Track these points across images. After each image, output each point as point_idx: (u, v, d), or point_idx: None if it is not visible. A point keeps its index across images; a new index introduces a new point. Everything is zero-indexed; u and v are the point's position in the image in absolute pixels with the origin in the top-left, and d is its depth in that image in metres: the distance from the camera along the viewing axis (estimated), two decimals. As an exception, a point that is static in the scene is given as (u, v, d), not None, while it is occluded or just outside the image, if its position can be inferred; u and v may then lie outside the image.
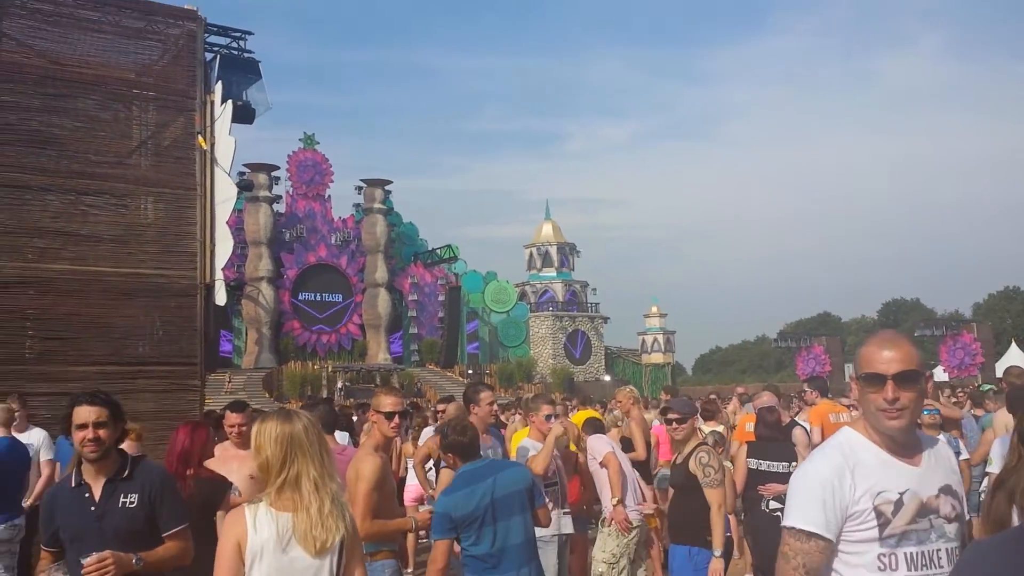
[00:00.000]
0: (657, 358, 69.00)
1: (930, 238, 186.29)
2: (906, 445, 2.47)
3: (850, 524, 2.39)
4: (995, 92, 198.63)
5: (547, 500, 5.37)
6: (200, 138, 7.99)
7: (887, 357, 2.41)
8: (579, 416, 8.81)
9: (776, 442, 6.82)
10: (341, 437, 8.26)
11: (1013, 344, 46.25)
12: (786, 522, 2.46)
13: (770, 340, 77.22)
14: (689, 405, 6.22)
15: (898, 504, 2.39)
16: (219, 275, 7.98)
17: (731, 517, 7.13)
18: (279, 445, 3.05)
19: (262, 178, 55.07)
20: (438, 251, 62.44)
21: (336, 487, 3.14)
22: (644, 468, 8.51)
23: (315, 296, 57.14)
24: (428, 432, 9.62)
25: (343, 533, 3.07)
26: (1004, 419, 7.69)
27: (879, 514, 2.38)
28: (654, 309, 70.98)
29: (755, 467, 6.72)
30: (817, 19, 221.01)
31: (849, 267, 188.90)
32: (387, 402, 4.86)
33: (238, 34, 43.76)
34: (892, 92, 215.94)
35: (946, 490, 2.46)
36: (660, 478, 8.82)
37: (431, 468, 8.98)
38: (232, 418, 6.01)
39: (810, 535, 2.37)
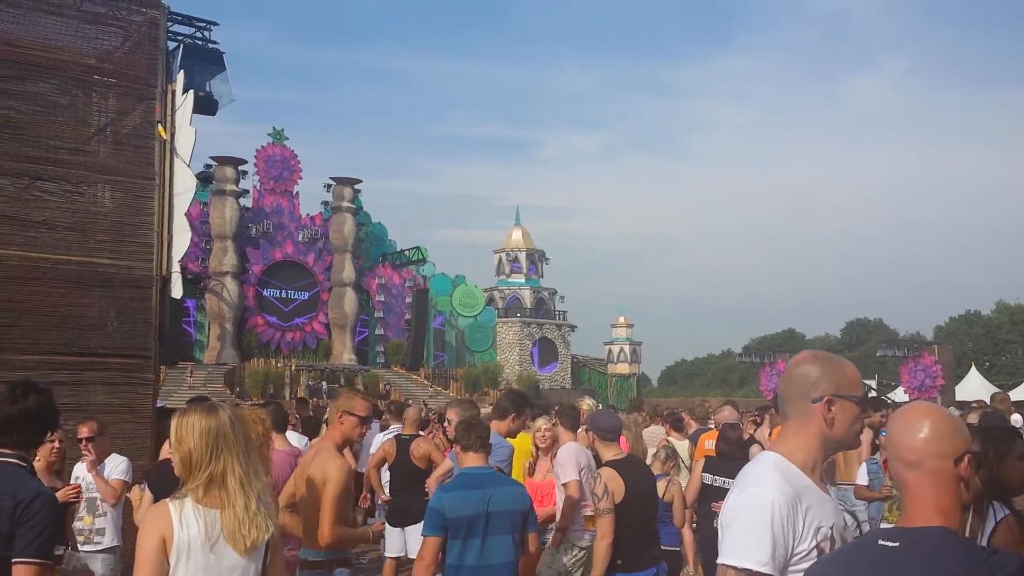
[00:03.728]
0: (623, 368, 69.27)
1: (894, 260, 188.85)
2: (820, 472, 2.33)
3: (793, 565, 2.16)
4: (961, 117, 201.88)
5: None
6: (160, 127, 7.83)
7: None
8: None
9: (735, 460, 6.76)
10: (298, 439, 8.11)
11: (973, 367, 46.90)
12: (732, 560, 2.17)
13: (735, 355, 77.76)
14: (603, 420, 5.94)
15: (832, 541, 2.23)
16: (176, 267, 7.82)
17: (685, 531, 7.07)
18: (204, 438, 2.91)
19: (229, 172, 54.44)
20: (407, 252, 62.16)
21: (261, 485, 3.02)
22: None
23: (280, 293, 56.64)
24: (380, 438, 9.49)
25: (271, 533, 2.96)
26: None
27: (820, 552, 2.18)
28: (621, 319, 71.29)
29: (710, 482, 6.68)
30: (784, 38, 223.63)
31: (814, 285, 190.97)
32: (361, 406, 4.80)
33: (203, 24, 43.35)
34: (857, 113, 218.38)
35: (843, 518, 2.37)
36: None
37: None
38: None
39: None
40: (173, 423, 3.00)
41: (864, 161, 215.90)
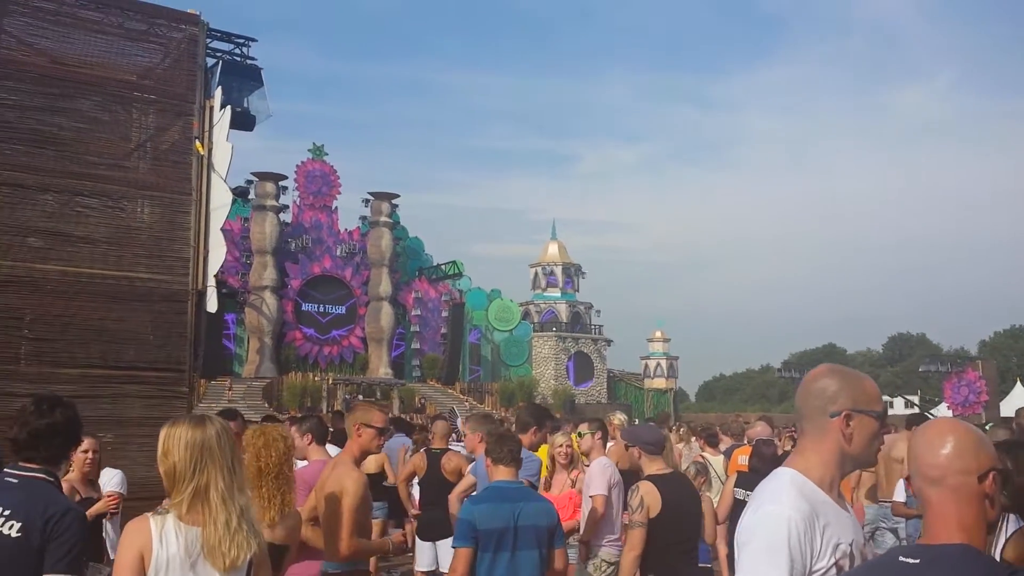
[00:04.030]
0: (660, 383, 68.82)
1: (938, 273, 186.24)
2: (835, 488, 2.27)
3: None
4: (1006, 128, 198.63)
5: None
6: (197, 143, 7.93)
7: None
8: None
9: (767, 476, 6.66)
10: (336, 452, 8.15)
11: (1018, 383, 45.97)
12: None
13: (774, 370, 76.98)
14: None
15: (851, 558, 2.17)
16: (211, 281, 7.90)
17: (720, 546, 6.99)
18: (189, 451, 2.84)
19: (269, 187, 55.19)
20: (443, 267, 62.42)
21: (246, 500, 2.93)
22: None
23: (318, 307, 57.11)
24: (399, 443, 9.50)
25: (254, 551, 2.87)
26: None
27: (839, 570, 2.13)
28: (658, 334, 70.85)
29: (741, 497, 6.59)
30: (829, 49, 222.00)
31: (856, 299, 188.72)
32: (379, 417, 4.86)
33: (241, 40, 43.76)
34: (903, 124, 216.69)
35: (863, 535, 2.35)
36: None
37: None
38: None
39: None
40: (161, 435, 2.95)
41: (908, 173, 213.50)
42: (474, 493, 4.97)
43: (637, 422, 26.92)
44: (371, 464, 9.48)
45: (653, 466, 5.44)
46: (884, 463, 7.99)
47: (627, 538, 5.22)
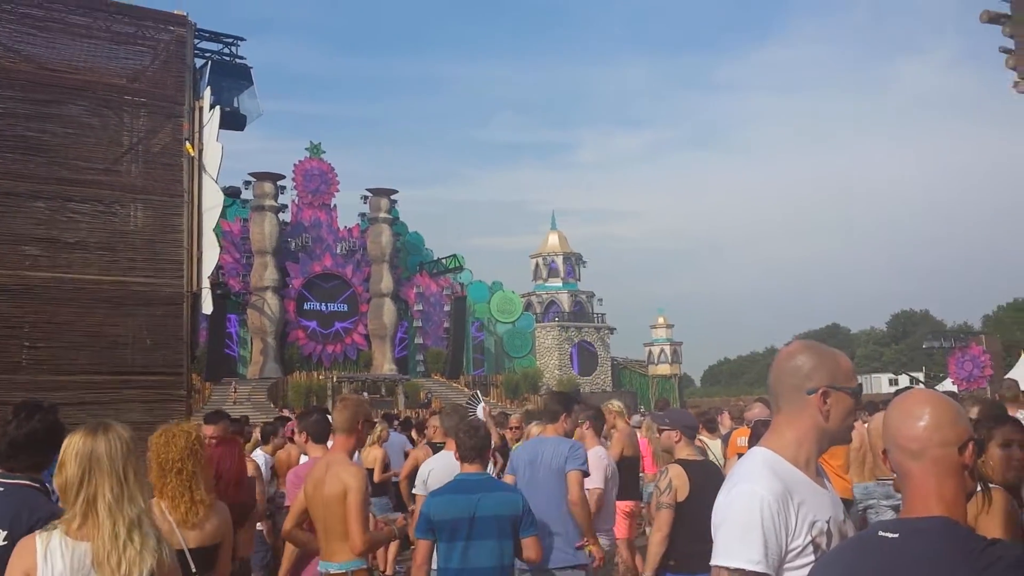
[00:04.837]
0: (664, 369, 68.83)
1: (940, 249, 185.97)
2: (816, 466, 2.26)
3: (789, 562, 2.09)
4: (1008, 102, 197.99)
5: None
6: (188, 144, 7.91)
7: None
8: None
9: None
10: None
11: (1022, 357, 45.90)
12: (723, 561, 2.10)
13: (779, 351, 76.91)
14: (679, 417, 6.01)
15: (828, 535, 2.15)
16: (206, 283, 7.89)
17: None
18: (78, 462, 2.72)
19: (268, 187, 55.14)
20: (444, 261, 62.40)
21: (138, 511, 2.76)
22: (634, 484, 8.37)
23: (320, 305, 57.14)
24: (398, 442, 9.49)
25: (150, 565, 2.70)
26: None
27: (816, 548, 2.11)
28: (661, 320, 70.85)
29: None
30: (831, 27, 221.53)
31: (858, 278, 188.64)
32: (370, 412, 4.97)
33: (230, 40, 43.60)
34: (905, 100, 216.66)
35: (844, 512, 2.29)
36: (649, 493, 8.68)
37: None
38: (206, 430, 5.89)
39: None
40: (63, 445, 2.84)
41: (910, 149, 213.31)
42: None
43: (643, 409, 26.90)
44: (369, 460, 9.49)
45: (686, 451, 5.45)
46: (877, 441, 7.94)
47: (655, 519, 5.22)
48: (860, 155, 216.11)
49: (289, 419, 11.02)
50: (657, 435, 5.70)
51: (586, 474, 5.66)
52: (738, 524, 2.10)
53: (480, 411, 8.87)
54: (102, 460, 2.73)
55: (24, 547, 2.71)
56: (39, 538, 2.70)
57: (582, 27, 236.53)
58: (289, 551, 5.45)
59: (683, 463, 5.31)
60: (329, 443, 7.21)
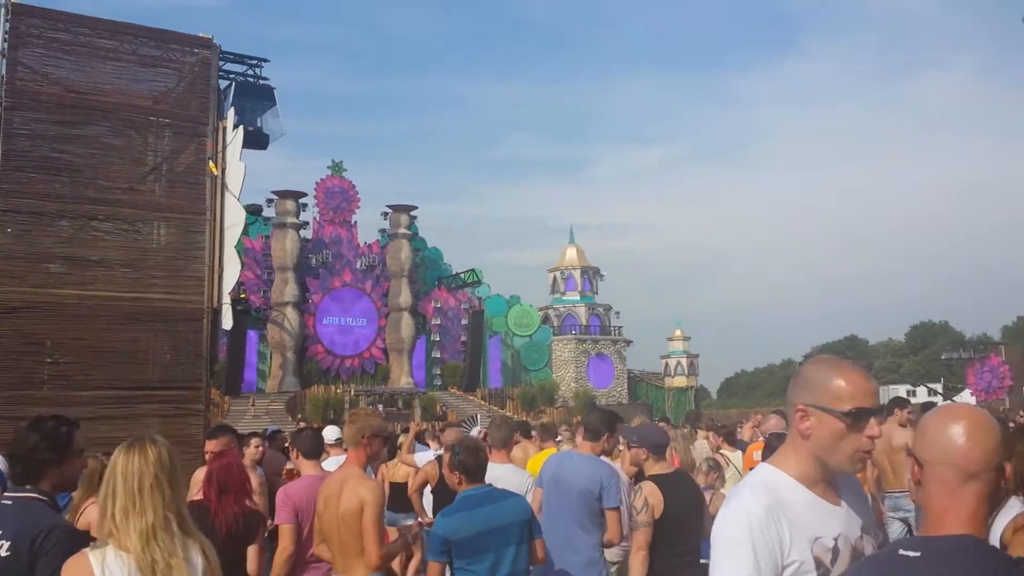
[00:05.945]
0: (680, 382, 68.61)
1: (959, 260, 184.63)
2: (830, 483, 2.17)
3: None
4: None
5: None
6: (211, 164, 8.07)
7: (872, 389, 2.09)
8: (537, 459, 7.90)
9: None
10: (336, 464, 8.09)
11: (1044, 368, 45.48)
12: None
13: (796, 364, 76.42)
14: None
15: (835, 552, 2.08)
16: (226, 299, 8.03)
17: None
18: (124, 480, 2.75)
19: (290, 205, 55.58)
20: (462, 275, 62.55)
21: (174, 519, 2.79)
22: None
23: (339, 320, 57.37)
24: (424, 457, 9.51)
25: (201, 567, 2.77)
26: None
27: (818, 564, 2.05)
28: (677, 332, 70.66)
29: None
30: (847, 43, 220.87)
31: (877, 290, 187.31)
32: (383, 425, 4.89)
33: (254, 61, 44.15)
34: (921, 115, 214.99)
35: (866, 529, 2.20)
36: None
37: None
38: (208, 445, 5.89)
39: None
40: (110, 462, 2.86)
41: (928, 161, 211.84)
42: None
43: (663, 425, 26.70)
44: (401, 474, 9.46)
45: (656, 467, 5.47)
46: (887, 454, 7.94)
47: (633, 539, 5.24)
48: (878, 167, 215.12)
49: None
50: (643, 453, 5.65)
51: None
52: (728, 540, 2.06)
53: (475, 433, 9.03)
54: (158, 476, 2.77)
55: (78, 563, 2.70)
56: (92, 554, 2.70)
57: (597, 45, 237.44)
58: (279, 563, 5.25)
59: (655, 479, 5.32)
60: (322, 459, 7.14)
